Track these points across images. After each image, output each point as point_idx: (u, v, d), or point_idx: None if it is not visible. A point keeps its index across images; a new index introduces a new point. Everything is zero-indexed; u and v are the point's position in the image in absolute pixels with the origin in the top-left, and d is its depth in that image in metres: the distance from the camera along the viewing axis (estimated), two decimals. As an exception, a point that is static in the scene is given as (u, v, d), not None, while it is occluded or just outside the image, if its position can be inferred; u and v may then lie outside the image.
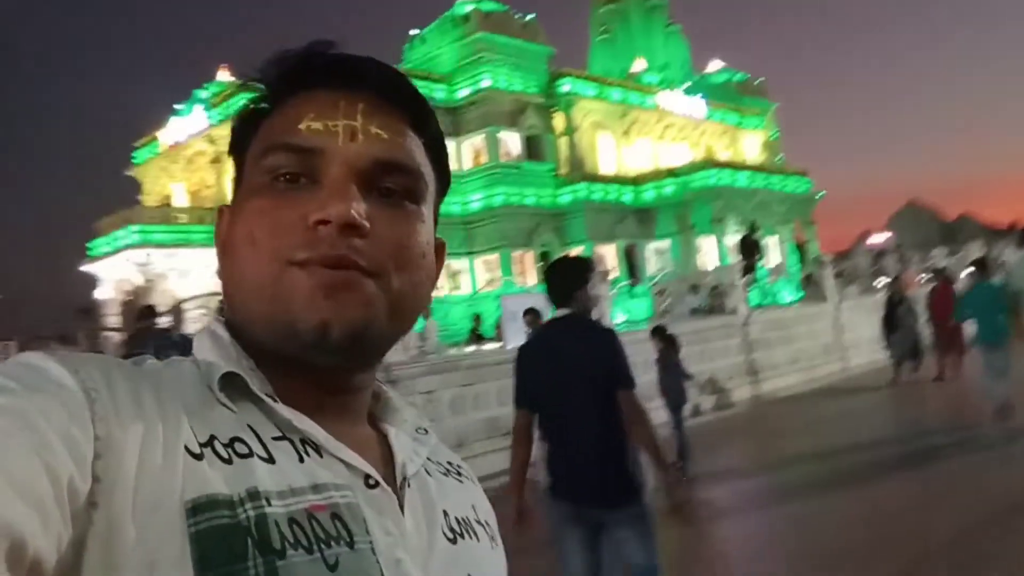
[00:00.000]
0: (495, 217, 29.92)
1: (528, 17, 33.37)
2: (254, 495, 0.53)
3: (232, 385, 0.59)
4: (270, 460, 0.56)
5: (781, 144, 47.79)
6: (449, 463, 0.75)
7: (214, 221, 0.69)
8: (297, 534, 0.53)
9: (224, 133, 26.96)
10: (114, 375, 0.54)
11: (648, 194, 34.04)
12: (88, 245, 29.45)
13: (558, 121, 33.24)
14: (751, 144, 43.09)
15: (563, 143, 33.32)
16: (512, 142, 31.32)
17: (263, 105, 0.66)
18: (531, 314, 8.64)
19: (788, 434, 10.66)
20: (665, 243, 33.70)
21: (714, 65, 47.89)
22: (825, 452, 8.86)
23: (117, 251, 27.90)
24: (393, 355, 9.21)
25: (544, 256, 31.07)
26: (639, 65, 40.70)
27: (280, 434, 0.58)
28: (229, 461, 0.54)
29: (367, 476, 0.60)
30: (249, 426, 0.57)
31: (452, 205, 30.26)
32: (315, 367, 0.61)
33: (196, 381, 0.59)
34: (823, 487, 7.22)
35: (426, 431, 0.72)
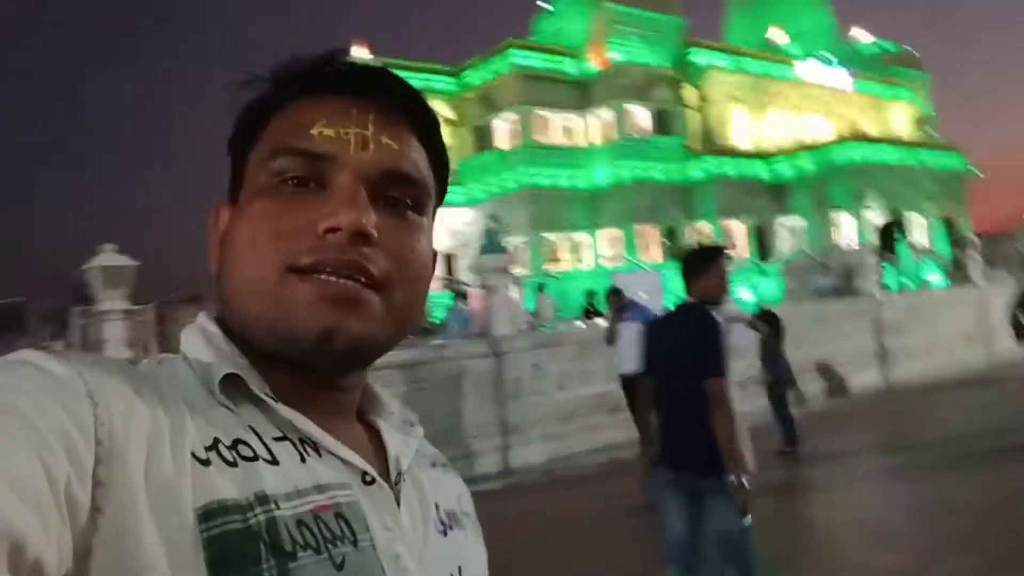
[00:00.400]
0: (623, 192, 29.52)
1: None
2: (263, 499, 0.54)
3: (231, 386, 0.59)
4: (274, 462, 0.56)
5: (935, 119, 44.61)
6: (436, 454, 0.77)
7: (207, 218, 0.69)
8: (306, 536, 0.54)
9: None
10: (117, 378, 0.54)
11: (784, 169, 32.66)
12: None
13: (689, 94, 32.31)
14: (900, 118, 40.42)
15: (694, 116, 32.39)
16: (641, 116, 30.71)
17: (269, 106, 0.66)
18: (616, 294, 8.61)
19: (903, 421, 10.08)
20: (799, 221, 32.28)
21: (861, 34, 45.12)
22: (939, 440, 8.39)
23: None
24: (501, 328, 9.35)
25: (670, 232, 30.46)
26: (778, 35, 38.92)
27: (280, 434, 0.59)
28: (235, 464, 0.55)
29: (364, 473, 0.61)
30: (251, 427, 0.58)
31: (576, 179, 30.10)
32: (311, 368, 0.62)
33: (194, 382, 0.59)
34: (940, 470, 6.86)
35: (412, 424, 0.73)
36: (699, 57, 32.07)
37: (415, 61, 30.68)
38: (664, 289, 12.77)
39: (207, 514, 0.51)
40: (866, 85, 38.87)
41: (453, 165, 32.07)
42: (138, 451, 0.50)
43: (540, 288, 13.17)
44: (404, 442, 0.69)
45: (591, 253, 30.21)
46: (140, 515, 0.48)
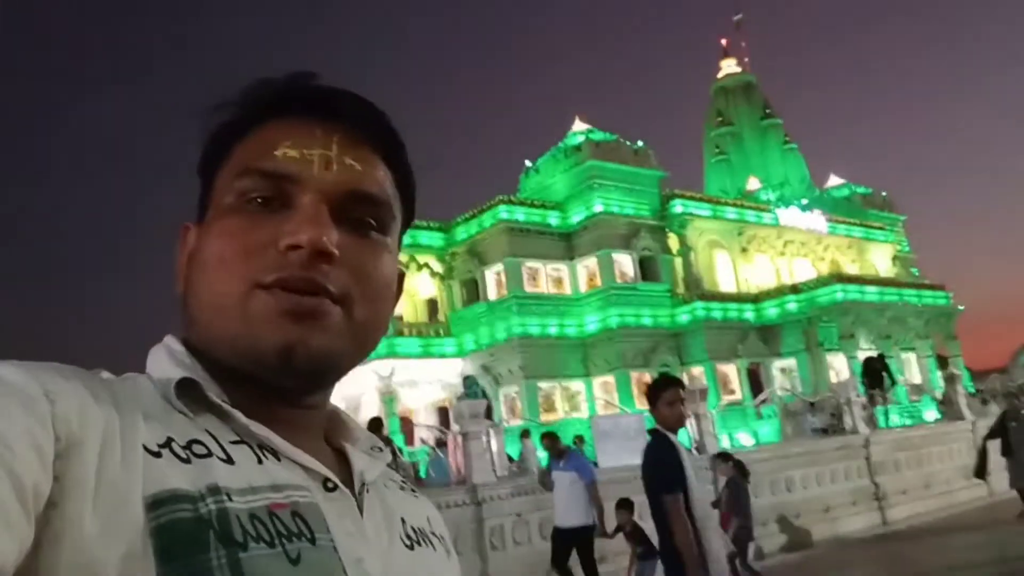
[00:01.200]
0: (612, 338, 29.79)
1: (638, 144, 34.16)
2: (215, 490, 0.54)
3: (188, 394, 0.60)
4: (229, 461, 0.57)
5: (914, 257, 45.74)
6: (404, 482, 0.77)
7: (179, 240, 0.70)
8: (259, 528, 0.53)
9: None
10: (72, 380, 0.54)
11: (771, 311, 33.10)
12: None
13: (672, 242, 33.28)
14: (880, 258, 41.44)
15: (678, 263, 33.21)
16: (626, 264, 31.49)
17: (237, 128, 0.67)
18: (550, 438, 8.43)
19: None
20: (791, 361, 32.37)
21: (835, 180, 47.05)
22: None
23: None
24: (481, 476, 9.21)
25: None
26: (755, 184, 40.57)
27: (238, 438, 0.59)
28: (188, 461, 0.55)
29: (325, 480, 0.61)
30: (207, 431, 0.58)
31: (568, 327, 30.43)
32: (273, 385, 0.62)
33: (152, 393, 0.60)
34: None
35: (380, 449, 0.72)
36: (680, 207, 33.24)
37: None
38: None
39: (156, 502, 0.51)
40: (844, 228, 40.08)
41: (442, 317, 32.37)
42: (92, 446, 0.51)
43: (524, 435, 13.05)
44: (370, 463, 0.69)
45: (586, 400, 30.07)
46: (87, 508, 0.48)
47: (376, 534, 0.63)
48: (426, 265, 31.96)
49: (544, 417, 27.97)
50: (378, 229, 0.67)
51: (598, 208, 31.31)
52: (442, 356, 30.21)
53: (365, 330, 0.65)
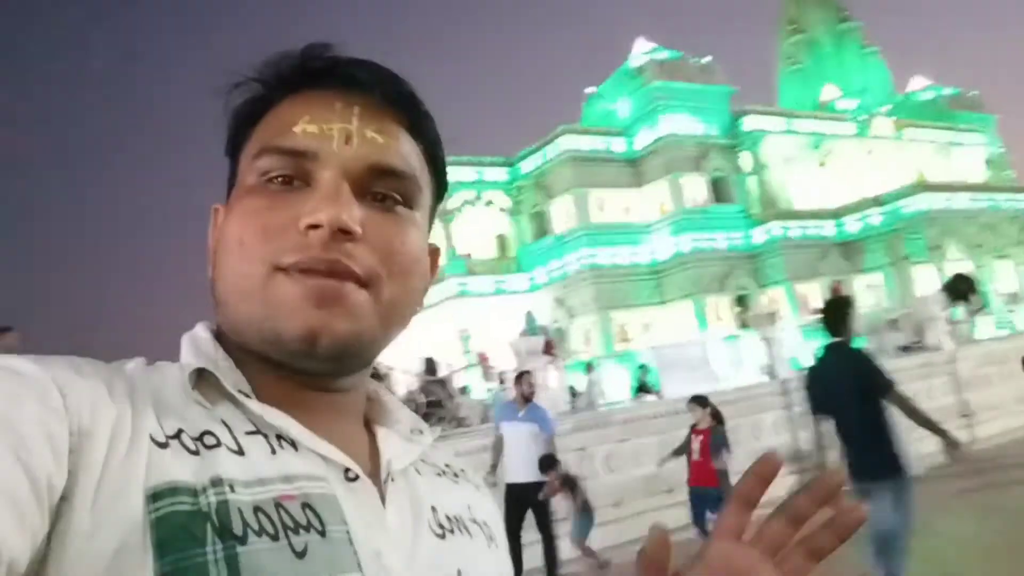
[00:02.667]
0: (685, 264, 29.25)
1: (705, 59, 32.83)
2: (217, 482, 0.52)
3: (207, 383, 0.59)
4: (239, 452, 0.55)
5: (1009, 158, 43.04)
6: (447, 465, 0.74)
7: (211, 222, 0.69)
8: (262, 521, 0.52)
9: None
10: (84, 371, 0.54)
11: (852, 226, 31.86)
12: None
13: (745, 160, 32.13)
14: (970, 162, 39.13)
15: (752, 182, 32.10)
16: (697, 186, 30.63)
17: (259, 105, 0.66)
18: (520, 381, 7.66)
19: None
20: (876, 277, 31.18)
21: (919, 83, 44.35)
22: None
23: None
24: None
25: (741, 300, 29.80)
26: (831, 93, 38.61)
27: (254, 429, 0.58)
28: (196, 452, 0.54)
29: (346, 469, 0.59)
30: (223, 421, 0.57)
31: (639, 256, 29.99)
32: (302, 370, 0.61)
33: (176, 381, 0.59)
34: None
35: (421, 432, 0.70)
36: (752, 123, 31.97)
37: (472, 156, 31.53)
38: (714, 359, 12.35)
39: (156, 495, 0.50)
40: (929, 133, 37.92)
41: (513, 253, 32.38)
42: (101, 439, 0.50)
43: (588, 368, 12.95)
44: (404, 448, 0.67)
45: (661, 328, 29.78)
46: (91, 500, 0.48)
47: (400, 525, 0.61)
48: (492, 201, 31.82)
49: (620, 347, 27.89)
50: (404, 203, 0.64)
51: (665, 130, 30.38)
52: (514, 292, 30.25)
53: (395, 309, 0.62)
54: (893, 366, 12.38)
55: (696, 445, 7.00)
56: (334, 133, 0.62)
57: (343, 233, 0.58)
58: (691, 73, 32.23)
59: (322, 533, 0.54)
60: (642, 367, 12.74)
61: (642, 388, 12.93)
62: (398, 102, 0.65)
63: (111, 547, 0.48)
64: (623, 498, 9.34)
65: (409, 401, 9.89)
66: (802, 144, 33.49)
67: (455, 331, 28.88)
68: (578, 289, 29.19)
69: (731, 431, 10.14)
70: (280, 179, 0.61)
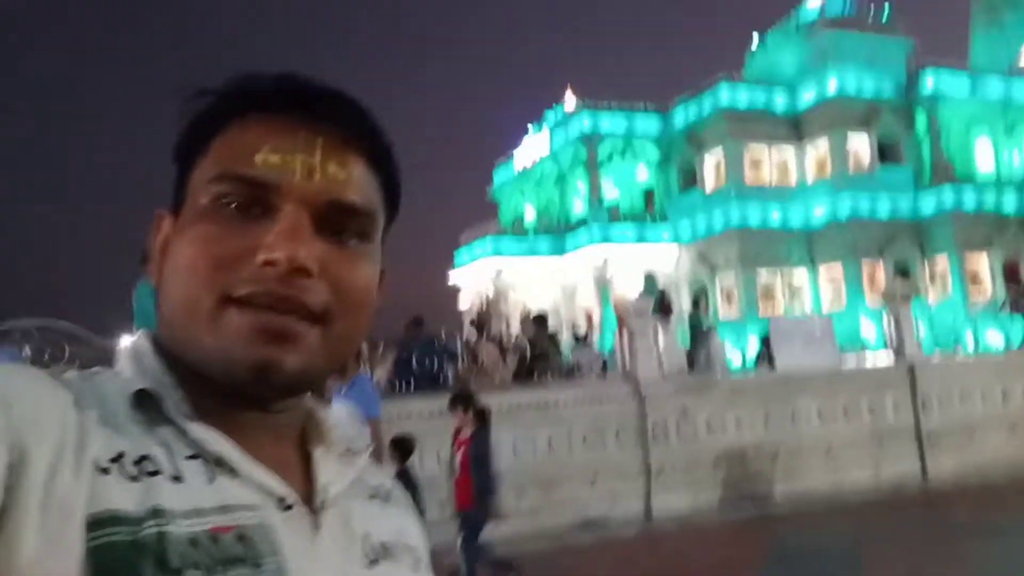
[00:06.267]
0: (841, 229, 27.64)
1: (884, 7, 30.37)
2: (157, 513, 0.52)
3: (148, 401, 0.59)
4: (178, 479, 0.56)
5: None
6: (379, 486, 0.74)
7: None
8: (197, 555, 0.52)
9: (566, 155, 28.27)
10: (32, 386, 0.54)
11: (1037, 198, 28.97)
12: (454, 254, 33.37)
13: (919, 121, 29.72)
14: None
15: (924, 146, 29.72)
16: (862, 146, 28.68)
17: (219, 120, 0.65)
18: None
19: None
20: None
21: None
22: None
23: (475, 261, 31.15)
24: (645, 371, 9.33)
25: (902, 270, 27.99)
26: (1032, 50, 34.85)
27: (193, 453, 0.58)
28: (136, 479, 0.54)
29: (281, 498, 0.60)
30: (162, 444, 0.57)
31: (792, 218, 28.68)
32: (242, 393, 0.62)
33: (115, 395, 0.59)
34: None
35: (355, 452, 0.71)
36: (931, 81, 29.43)
37: (624, 102, 31.07)
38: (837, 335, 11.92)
39: (96, 523, 0.50)
40: None
41: (658, 206, 31.59)
42: (43, 458, 0.50)
43: (703, 331, 12.82)
44: (339, 471, 0.67)
45: (810, 291, 28.56)
46: (28, 522, 0.48)
47: (332, 553, 0.61)
48: (642, 152, 31.32)
49: (763, 310, 27.06)
50: (360, 238, 0.65)
51: (832, 86, 28.51)
52: (657, 242, 29.80)
53: (344, 343, 0.64)
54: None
55: (459, 458, 5.71)
56: (296, 166, 0.62)
57: (299, 271, 0.59)
58: (866, 24, 29.97)
59: (257, 566, 0.54)
60: (766, 339, 12.52)
61: (762, 357, 12.72)
62: (361, 134, 0.66)
63: (50, 572, 0.47)
64: (720, 461, 9.43)
65: (516, 350, 10.30)
66: (989, 107, 30.55)
67: (594, 278, 29.06)
68: (723, 246, 28.33)
69: (847, 409, 10.02)
70: (236, 205, 0.61)
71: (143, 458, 0.55)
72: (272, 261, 0.59)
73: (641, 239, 29.57)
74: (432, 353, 8.73)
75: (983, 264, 28.22)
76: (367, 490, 0.71)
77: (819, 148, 29.03)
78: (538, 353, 9.88)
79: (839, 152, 28.33)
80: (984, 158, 30.76)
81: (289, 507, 0.60)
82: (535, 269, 30.85)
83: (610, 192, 31.71)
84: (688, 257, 29.55)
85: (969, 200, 28.23)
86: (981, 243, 28.08)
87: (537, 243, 31.23)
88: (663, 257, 29.55)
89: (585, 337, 15.86)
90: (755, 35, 33.20)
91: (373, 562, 0.65)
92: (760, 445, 9.54)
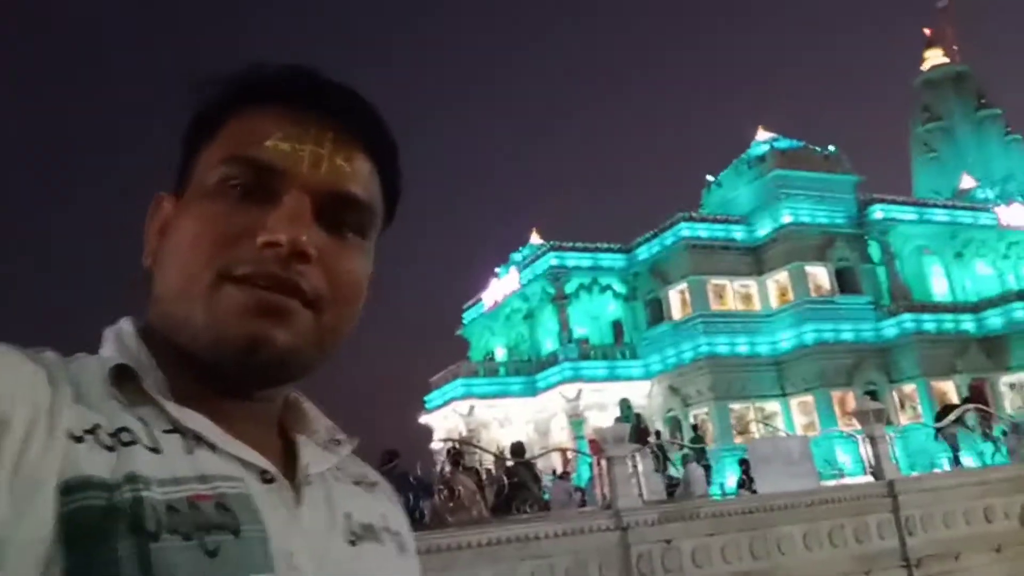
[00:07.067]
0: (808, 356, 28.07)
1: (829, 148, 32.22)
2: (132, 479, 0.53)
3: (127, 380, 0.59)
4: (155, 450, 0.56)
5: None
6: (363, 476, 0.74)
7: (151, 210, 0.69)
8: (175, 520, 0.52)
9: (534, 291, 28.81)
10: (4, 361, 0.54)
11: (995, 321, 29.79)
12: (425, 399, 32.98)
13: (872, 250, 30.92)
14: None
15: (880, 272, 30.77)
16: (821, 276, 29.61)
17: (230, 108, 0.66)
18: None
19: None
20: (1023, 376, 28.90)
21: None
22: None
23: (446, 403, 30.85)
24: (626, 501, 9.08)
25: (872, 396, 28.21)
26: (970, 182, 36.88)
27: (171, 428, 0.58)
28: (112, 449, 0.54)
29: (263, 471, 0.60)
30: (140, 419, 0.57)
31: (759, 346, 29.14)
32: (226, 375, 0.61)
33: (95, 375, 0.59)
34: None
35: (339, 442, 0.71)
36: (881, 212, 30.83)
37: (588, 243, 31.91)
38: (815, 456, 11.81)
39: (68, 488, 0.50)
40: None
41: (628, 339, 31.95)
42: (17, 428, 0.50)
43: (686, 460, 12.69)
44: (322, 455, 0.68)
45: (783, 421, 28.54)
46: (8, 487, 0.48)
47: (313, 526, 0.61)
48: (609, 287, 31.91)
49: (738, 440, 26.89)
50: (358, 231, 0.66)
51: (787, 219, 29.75)
52: (629, 378, 29.96)
53: (332, 334, 0.64)
54: (1016, 473, 11.53)
55: None
56: (305, 155, 0.63)
57: (299, 255, 0.60)
58: (814, 162, 31.59)
59: (236, 533, 0.54)
60: (744, 461, 12.37)
61: (743, 483, 12.52)
62: (370, 132, 0.67)
63: (23, 537, 0.47)
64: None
65: (493, 482, 10.03)
66: (937, 234, 31.96)
67: (567, 414, 28.81)
68: (694, 378, 28.55)
69: (831, 535, 9.77)
70: (241, 187, 0.62)
71: (120, 430, 0.55)
72: (273, 243, 0.59)
73: (613, 376, 29.68)
74: (407, 488, 8.49)
75: (950, 387, 28.55)
76: (352, 476, 0.72)
77: (779, 278, 29.87)
78: (516, 482, 9.65)
79: (799, 281, 29.16)
80: (938, 283, 31.77)
81: (271, 480, 0.60)
82: (508, 407, 30.59)
83: (579, 326, 31.98)
84: (660, 390, 29.59)
85: (928, 324, 28.92)
86: (946, 367, 28.54)
87: (509, 384, 31.13)
88: (635, 391, 29.51)
89: (564, 474, 15.57)
90: (708, 177, 34.73)
91: (355, 540, 0.64)
92: (750, 573, 9.20)
